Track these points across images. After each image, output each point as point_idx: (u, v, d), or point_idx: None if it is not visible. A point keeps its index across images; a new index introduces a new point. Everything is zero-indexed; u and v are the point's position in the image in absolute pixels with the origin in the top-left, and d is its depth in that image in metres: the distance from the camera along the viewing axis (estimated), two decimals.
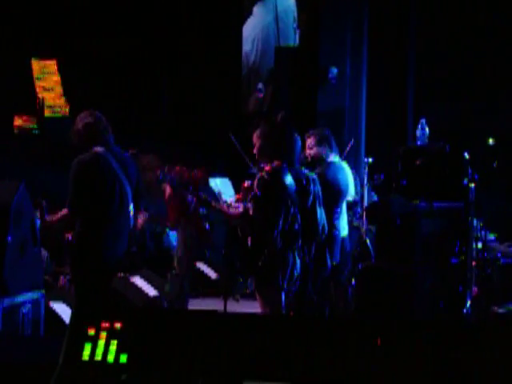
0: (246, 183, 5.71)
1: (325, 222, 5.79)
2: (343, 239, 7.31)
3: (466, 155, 7.10)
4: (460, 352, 2.85)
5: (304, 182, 5.61)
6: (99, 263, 5.80)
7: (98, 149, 5.86)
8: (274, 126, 5.59)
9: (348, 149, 8.61)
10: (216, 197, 7.04)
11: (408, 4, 11.97)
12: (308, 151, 7.00)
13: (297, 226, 5.49)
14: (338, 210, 7.05)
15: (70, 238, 6.04)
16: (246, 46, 13.92)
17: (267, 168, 5.51)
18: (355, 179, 8.19)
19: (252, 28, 13.98)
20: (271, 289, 5.47)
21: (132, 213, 6.04)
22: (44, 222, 6.07)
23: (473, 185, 6.95)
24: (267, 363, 2.89)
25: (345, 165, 7.47)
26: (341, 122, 11.38)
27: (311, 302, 6.54)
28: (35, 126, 15.47)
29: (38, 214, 6.10)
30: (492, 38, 11.24)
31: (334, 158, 7.12)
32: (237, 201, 5.82)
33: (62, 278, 9.08)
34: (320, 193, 5.83)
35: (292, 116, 10.75)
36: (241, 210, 5.52)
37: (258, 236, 5.42)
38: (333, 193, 6.71)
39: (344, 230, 7.33)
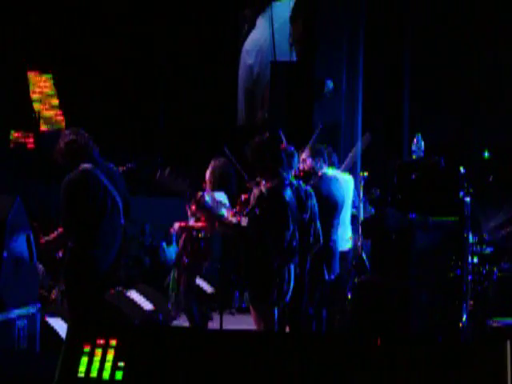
0: (243, 197, 5.72)
1: (320, 233, 5.81)
2: (346, 252, 7.30)
3: (462, 169, 7.10)
4: (456, 369, 2.85)
5: (304, 198, 5.64)
6: (93, 277, 5.80)
7: (86, 165, 5.87)
8: (269, 143, 5.62)
9: (347, 162, 8.57)
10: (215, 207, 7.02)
11: (404, 18, 12.00)
12: (302, 165, 7.01)
13: (295, 243, 5.51)
14: (335, 222, 7.03)
15: (60, 254, 6.05)
16: (250, 59, 13.93)
17: (268, 185, 5.52)
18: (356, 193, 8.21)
19: (256, 40, 14.02)
20: (265, 304, 5.48)
21: (123, 225, 6.07)
22: (41, 244, 6.09)
23: (468, 198, 6.95)
24: (264, 378, 2.89)
25: (344, 176, 7.48)
26: (337, 136, 11.39)
27: (307, 315, 6.54)
28: (31, 140, 15.48)
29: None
30: (487, 52, 11.27)
31: (327, 170, 7.13)
32: (235, 214, 5.82)
33: (54, 291, 9.06)
34: (316, 206, 5.85)
35: (288, 130, 10.78)
36: (236, 220, 5.52)
37: (253, 252, 5.43)
38: (327, 205, 6.71)
39: (346, 242, 7.32)
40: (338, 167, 7.86)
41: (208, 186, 7.42)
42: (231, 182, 7.53)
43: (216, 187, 7.31)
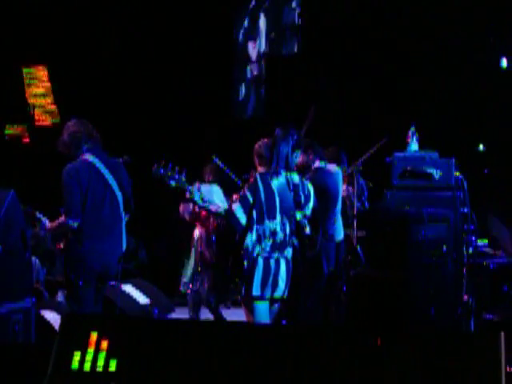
0: (235, 197, 5.69)
1: (317, 236, 5.77)
2: (340, 243, 7.31)
3: (456, 161, 7.12)
4: (451, 360, 2.86)
5: (300, 194, 5.59)
6: (90, 269, 5.79)
7: (87, 156, 5.89)
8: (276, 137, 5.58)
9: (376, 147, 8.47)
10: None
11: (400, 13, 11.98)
12: None
13: (282, 236, 5.43)
14: (332, 215, 7.04)
15: (61, 246, 6.04)
16: None
17: (259, 170, 5.53)
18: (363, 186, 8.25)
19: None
20: (249, 297, 5.39)
21: (124, 218, 6.07)
22: (45, 230, 6.10)
23: (463, 191, 6.96)
24: (258, 372, 2.89)
25: (336, 169, 7.48)
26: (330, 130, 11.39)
27: (305, 309, 6.54)
28: (26, 134, 15.46)
29: (37, 226, 6.12)
30: (483, 51, 11.29)
31: (321, 163, 7.13)
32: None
33: (59, 293, 9.07)
34: (314, 202, 5.82)
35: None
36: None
37: (236, 242, 5.35)
38: (324, 198, 6.71)
39: (340, 233, 7.33)
40: (346, 165, 7.90)
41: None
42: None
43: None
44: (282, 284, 5.44)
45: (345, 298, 7.26)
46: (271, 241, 5.37)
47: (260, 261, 5.34)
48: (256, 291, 5.33)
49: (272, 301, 5.50)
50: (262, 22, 13.91)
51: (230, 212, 5.34)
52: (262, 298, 5.37)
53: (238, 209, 5.31)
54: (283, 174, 5.49)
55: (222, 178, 7.89)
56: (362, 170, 8.15)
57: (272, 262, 5.38)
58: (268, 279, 5.35)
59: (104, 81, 14.28)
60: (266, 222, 5.36)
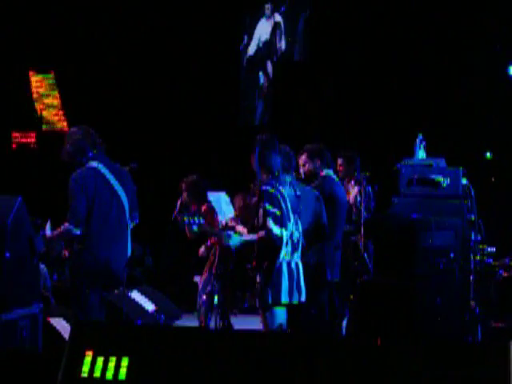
0: (241, 202, 5.70)
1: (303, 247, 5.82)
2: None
3: (464, 169, 7.10)
4: (459, 369, 2.86)
5: (298, 192, 5.61)
6: (98, 277, 5.80)
7: (93, 163, 5.90)
8: (258, 143, 5.56)
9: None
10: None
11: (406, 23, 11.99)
12: (301, 169, 6.99)
13: (297, 235, 5.49)
14: (339, 222, 7.02)
15: (67, 254, 6.05)
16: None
17: (265, 181, 5.50)
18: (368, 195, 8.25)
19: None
20: (263, 306, 5.39)
21: (130, 225, 6.08)
22: (44, 238, 6.09)
23: (471, 199, 6.95)
24: (265, 378, 2.90)
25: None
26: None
27: (310, 316, 6.53)
28: (33, 140, 15.49)
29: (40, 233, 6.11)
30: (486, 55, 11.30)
31: (328, 171, 7.09)
32: (232, 220, 5.81)
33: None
34: (323, 208, 5.82)
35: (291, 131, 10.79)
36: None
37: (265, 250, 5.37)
38: (331, 205, 6.70)
39: None
40: (360, 170, 7.91)
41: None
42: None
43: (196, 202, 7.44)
44: (303, 287, 5.52)
45: (351, 305, 7.25)
46: (290, 241, 5.42)
47: (284, 267, 5.37)
48: (285, 298, 5.37)
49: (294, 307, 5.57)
50: (280, 26, 13.95)
51: (271, 236, 5.33)
52: (290, 303, 5.42)
53: (273, 225, 5.31)
54: (280, 179, 5.52)
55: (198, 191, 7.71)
56: (370, 178, 8.13)
57: (293, 265, 5.43)
58: (293, 284, 5.41)
59: (111, 87, 14.31)
60: (288, 224, 5.40)
